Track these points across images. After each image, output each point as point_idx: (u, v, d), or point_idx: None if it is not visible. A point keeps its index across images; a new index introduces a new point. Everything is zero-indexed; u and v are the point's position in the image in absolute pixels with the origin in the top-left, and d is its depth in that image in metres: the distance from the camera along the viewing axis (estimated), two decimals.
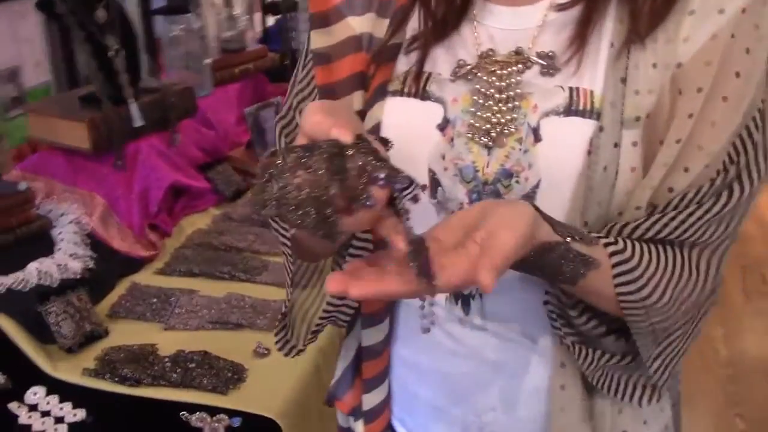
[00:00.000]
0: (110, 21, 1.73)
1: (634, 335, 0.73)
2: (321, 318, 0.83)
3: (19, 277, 1.43)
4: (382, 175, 0.54)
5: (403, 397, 0.90)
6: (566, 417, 0.77)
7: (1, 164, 1.52)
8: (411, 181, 0.55)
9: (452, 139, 0.74)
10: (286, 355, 0.88)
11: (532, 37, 0.73)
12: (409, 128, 0.76)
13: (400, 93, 0.77)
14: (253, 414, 1.23)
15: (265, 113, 2.13)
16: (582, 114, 0.70)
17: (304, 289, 0.87)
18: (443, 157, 0.75)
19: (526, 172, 0.72)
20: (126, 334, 1.43)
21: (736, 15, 0.67)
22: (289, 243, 0.80)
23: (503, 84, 0.73)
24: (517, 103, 0.72)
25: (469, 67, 0.74)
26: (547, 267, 0.66)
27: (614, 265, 0.68)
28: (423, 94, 0.76)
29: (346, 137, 0.55)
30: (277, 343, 0.88)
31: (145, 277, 1.63)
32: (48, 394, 1.26)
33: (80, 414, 1.23)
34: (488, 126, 0.73)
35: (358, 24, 0.80)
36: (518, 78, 0.73)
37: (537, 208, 0.64)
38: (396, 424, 0.92)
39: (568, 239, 0.65)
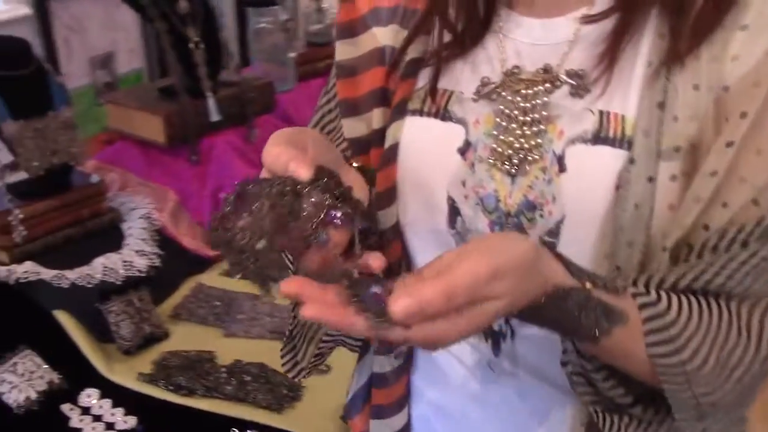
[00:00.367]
0: (192, 12, 1.70)
1: (672, 408, 0.62)
2: (324, 341, 0.77)
3: (84, 271, 1.41)
4: (338, 215, 0.49)
5: None
6: None
7: (76, 155, 1.49)
8: (372, 221, 0.49)
9: (473, 165, 0.67)
10: (294, 377, 0.82)
11: (561, 53, 0.65)
12: (428, 151, 0.69)
13: (420, 112, 0.70)
14: None
15: None
16: (611, 143, 0.62)
17: None
18: (464, 184, 0.67)
19: (550, 205, 0.64)
20: (185, 337, 1.39)
21: None
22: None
23: (528, 105, 0.65)
24: (542, 126, 0.64)
25: (493, 85, 0.67)
26: (563, 319, 0.56)
27: (645, 320, 0.58)
28: (444, 114, 0.69)
29: (302, 173, 0.51)
30: (284, 365, 0.81)
31: (210, 278, 1.58)
32: (102, 397, 1.23)
33: (131, 422, 1.19)
34: (510, 152, 0.65)
35: (382, 35, 0.74)
36: (545, 99, 0.65)
37: (550, 247, 0.56)
38: None
39: (589, 285, 0.56)
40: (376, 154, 0.73)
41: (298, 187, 0.50)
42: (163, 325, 1.40)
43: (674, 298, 0.59)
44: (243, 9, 2.40)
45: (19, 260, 1.40)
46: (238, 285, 1.55)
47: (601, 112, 0.62)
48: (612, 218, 0.61)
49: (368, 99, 0.74)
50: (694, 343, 0.58)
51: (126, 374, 1.28)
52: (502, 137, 0.66)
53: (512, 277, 0.50)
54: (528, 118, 0.65)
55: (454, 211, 0.69)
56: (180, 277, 1.57)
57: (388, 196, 0.72)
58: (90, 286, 1.39)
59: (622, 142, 0.61)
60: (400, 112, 0.71)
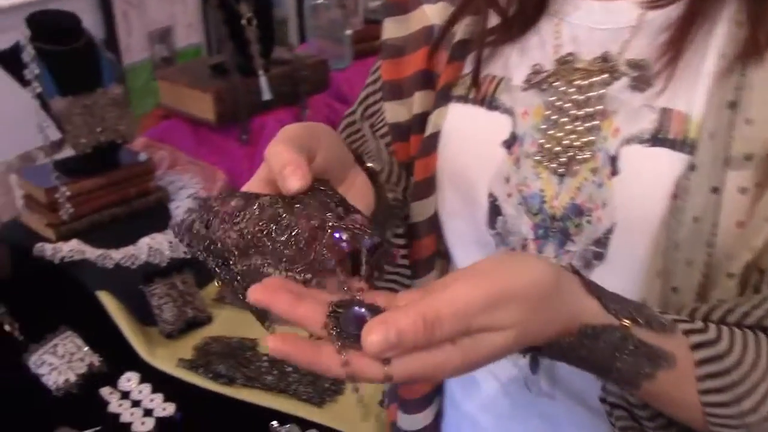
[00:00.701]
0: None
1: None
2: None
3: (129, 252, 1.39)
4: (343, 237, 0.43)
5: None
6: None
7: (125, 133, 1.46)
8: (380, 238, 0.44)
9: (518, 160, 0.61)
10: None
11: (622, 41, 0.58)
12: (471, 141, 0.64)
13: (465, 99, 0.64)
14: None
15: None
16: (671, 145, 0.55)
17: None
18: (507, 180, 0.62)
19: (599, 211, 0.57)
20: (228, 323, 1.35)
21: None
22: None
23: (582, 98, 0.58)
24: (596, 122, 0.58)
25: (545, 74, 0.60)
26: (594, 360, 0.47)
27: (700, 363, 0.49)
28: (491, 103, 0.63)
29: (293, 182, 0.46)
30: None
31: None
32: (141, 381, 1.21)
33: (169, 409, 1.16)
34: (559, 148, 0.59)
35: (432, 13, 0.68)
36: (601, 91, 0.58)
37: (580, 275, 0.47)
38: None
39: (627, 322, 0.47)
40: (416, 141, 0.68)
41: (288, 201, 0.45)
42: (206, 309, 1.37)
43: (738, 337, 0.50)
44: None
45: (65, 238, 1.39)
46: None
47: (662, 110, 0.55)
48: (666, 231, 0.54)
49: (412, 82, 0.68)
50: (761, 391, 0.49)
51: (167, 359, 1.25)
52: (551, 132, 0.59)
53: (520, 306, 0.42)
54: (581, 112, 0.58)
55: (494, 210, 0.63)
56: None
57: (426, 186, 0.67)
58: (134, 267, 1.37)
59: (684, 145, 0.54)
60: (444, 97, 0.66)
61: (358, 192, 0.56)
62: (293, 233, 0.43)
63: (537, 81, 0.61)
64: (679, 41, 0.55)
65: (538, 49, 0.62)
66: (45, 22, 1.38)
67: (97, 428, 1.11)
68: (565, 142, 0.58)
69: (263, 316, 0.45)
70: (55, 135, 1.42)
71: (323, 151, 0.51)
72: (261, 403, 1.17)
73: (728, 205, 0.52)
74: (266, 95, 1.68)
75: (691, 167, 0.53)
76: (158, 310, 1.31)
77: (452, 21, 0.65)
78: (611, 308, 0.47)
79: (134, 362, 1.24)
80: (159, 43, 2.64)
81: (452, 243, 0.69)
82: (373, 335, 0.39)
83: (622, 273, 0.56)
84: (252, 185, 0.49)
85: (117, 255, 1.37)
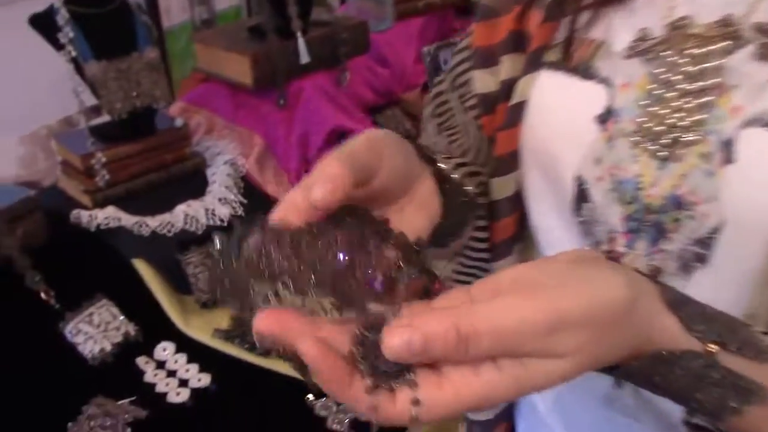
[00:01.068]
0: None
1: None
2: None
3: (165, 219, 1.37)
4: (378, 279, 0.37)
5: None
6: None
7: (158, 97, 1.44)
8: (416, 274, 0.38)
9: (613, 139, 0.53)
10: None
11: (750, 1, 0.49)
12: (561, 114, 0.57)
13: (557, 66, 0.57)
14: None
15: (444, 53, 1.92)
16: None
17: None
18: (598, 162, 0.54)
19: (705, 205, 0.50)
20: None
21: None
22: None
23: (696, 69, 0.50)
24: (711, 98, 0.49)
25: (653, 41, 0.52)
26: (669, 388, 0.41)
27: None
28: (586, 71, 0.55)
29: (316, 192, 0.39)
30: None
31: None
32: (177, 351, 1.19)
33: (205, 380, 1.14)
34: (662, 128, 0.51)
35: None
36: (720, 61, 0.49)
37: (659, 282, 0.40)
38: None
39: (712, 347, 0.40)
40: (502, 110, 0.61)
41: (315, 230, 0.39)
42: None
43: None
44: None
45: (101, 205, 1.37)
46: None
47: None
48: None
49: (504, 45, 0.61)
50: None
51: (202, 329, 1.23)
52: (653, 108, 0.52)
53: (584, 333, 0.36)
54: (693, 87, 0.50)
55: (581, 195, 0.56)
56: None
57: (508, 162, 0.60)
58: (170, 234, 1.35)
59: None
60: (534, 63, 0.58)
61: (419, 204, 0.50)
62: (317, 269, 0.38)
63: (642, 48, 0.53)
64: None
65: (646, 9, 0.54)
66: None
67: (133, 398, 1.09)
68: (669, 120, 0.51)
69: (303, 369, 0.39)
70: (90, 100, 1.40)
71: (385, 169, 0.45)
72: (297, 375, 1.15)
73: None
74: (304, 58, 1.63)
75: None
76: (194, 279, 1.29)
77: None
78: (695, 329, 0.40)
79: (170, 332, 1.22)
80: (199, 5, 2.60)
81: (535, 226, 0.63)
82: (395, 338, 0.33)
83: (727, 280, 0.49)
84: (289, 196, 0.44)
85: (153, 222, 1.35)
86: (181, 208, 1.39)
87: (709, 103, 0.50)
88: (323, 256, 0.38)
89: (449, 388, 0.35)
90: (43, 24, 1.34)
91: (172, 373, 1.16)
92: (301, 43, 1.62)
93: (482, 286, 0.39)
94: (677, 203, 0.51)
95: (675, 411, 0.53)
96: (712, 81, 0.50)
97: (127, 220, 1.34)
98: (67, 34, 1.32)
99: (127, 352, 1.17)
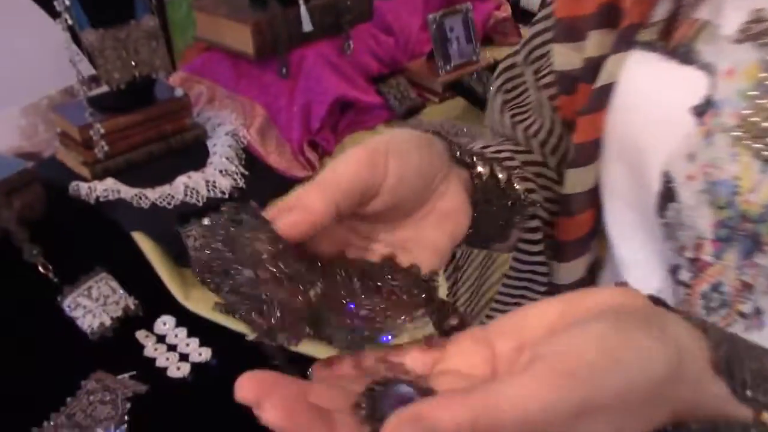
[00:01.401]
0: None
1: None
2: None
3: (165, 191, 1.35)
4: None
5: None
6: None
7: (158, 66, 1.41)
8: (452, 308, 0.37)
9: (710, 134, 0.47)
10: None
11: None
12: (652, 102, 0.51)
13: (653, 46, 0.51)
14: None
15: (450, 21, 1.88)
16: None
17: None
18: (691, 158, 0.48)
19: None
20: None
21: None
22: None
23: None
24: None
25: None
26: None
27: None
28: (686, 54, 0.49)
29: (285, 227, 0.38)
30: None
31: None
32: (177, 325, 1.18)
33: (205, 354, 1.13)
34: None
35: None
36: None
37: (715, 344, 0.34)
38: None
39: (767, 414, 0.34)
40: (585, 91, 0.55)
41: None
42: None
43: None
44: None
45: (100, 177, 1.35)
46: None
47: None
48: None
49: (593, 19, 0.55)
50: None
51: (203, 302, 1.21)
52: (762, 101, 0.46)
53: (615, 416, 0.31)
54: None
55: (668, 193, 0.50)
56: (264, 198, 1.48)
57: (589, 150, 0.55)
58: (170, 207, 1.33)
59: None
60: (625, 41, 0.52)
61: (441, 216, 0.45)
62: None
63: (756, 32, 0.46)
64: None
65: None
66: None
67: (132, 372, 1.08)
68: None
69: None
70: (88, 70, 1.37)
71: (391, 184, 0.41)
72: (298, 349, 1.13)
73: None
74: (307, 26, 1.60)
75: None
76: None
77: None
78: (747, 395, 0.34)
79: (170, 305, 1.21)
80: None
81: (611, 226, 0.57)
82: None
83: None
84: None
85: (153, 194, 1.33)
86: (181, 180, 1.37)
87: None
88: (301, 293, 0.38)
89: None
90: None
91: (172, 348, 1.15)
92: (303, 10, 1.59)
93: (504, 335, 0.35)
94: None
95: None
96: None
97: (127, 192, 1.32)
98: (63, 1, 1.29)
99: (127, 326, 1.16)
